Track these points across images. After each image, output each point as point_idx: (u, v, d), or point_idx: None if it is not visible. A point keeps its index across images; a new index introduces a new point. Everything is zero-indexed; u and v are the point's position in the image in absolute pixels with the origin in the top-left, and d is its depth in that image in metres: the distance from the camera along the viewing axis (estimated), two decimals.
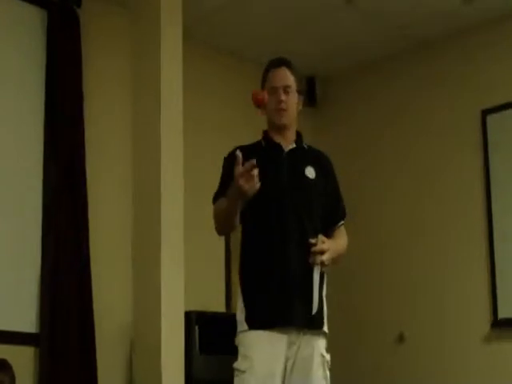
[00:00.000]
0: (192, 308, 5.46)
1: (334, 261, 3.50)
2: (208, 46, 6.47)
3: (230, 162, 3.46)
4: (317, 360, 3.39)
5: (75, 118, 5.34)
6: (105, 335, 5.26)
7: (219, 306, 6.11)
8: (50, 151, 5.24)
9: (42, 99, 5.30)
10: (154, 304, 5.21)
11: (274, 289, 3.36)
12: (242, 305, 3.42)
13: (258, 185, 3.22)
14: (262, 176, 3.27)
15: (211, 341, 5.46)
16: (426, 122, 6.57)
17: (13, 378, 4.51)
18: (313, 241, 3.35)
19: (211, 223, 6.37)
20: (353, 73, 7.10)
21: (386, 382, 6.47)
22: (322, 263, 3.35)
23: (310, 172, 3.60)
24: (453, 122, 6.42)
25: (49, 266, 5.09)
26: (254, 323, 3.35)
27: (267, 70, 3.70)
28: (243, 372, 3.32)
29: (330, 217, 3.69)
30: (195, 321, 5.43)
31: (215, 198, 3.58)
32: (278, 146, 3.60)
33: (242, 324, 3.40)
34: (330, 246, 3.42)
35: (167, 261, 5.23)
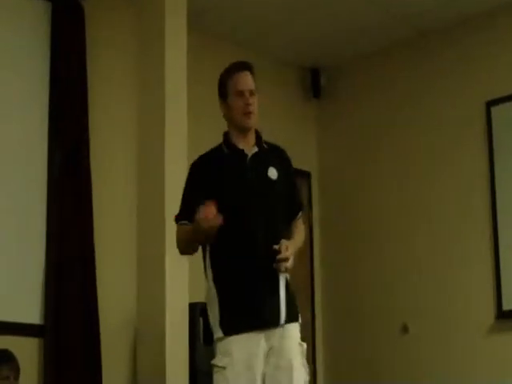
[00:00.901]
0: (196, 299, 5.45)
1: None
2: (212, 37, 6.46)
3: (193, 177, 3.63)
4: (296, 349, 3.51)
5: (80, 110, 5.34)
6: (109, 327, 5.27)
7: None
8: (54, 143, 5.25)
9: (47, 91, 5.31)
10: (158, 295, 5.22)
11: (246, 294, 3.47)
12: (217, 311, 3.50)
13: (219, 222, 3.33)
14: (227, 183, 3.50)
15: None
16: (431, 113, 6.56)
17: (18, 370, 4.52)
18: (276, 247, 3.43)
19: None
20: (357, 64, 7.08)
21: (390, 372, 6.47)
22: (286, 269, 3.46)
23: (273, 173, 3.64)
24: (457, 114, 6.40)
25: (53, 257, 5.10)
26: (230, 329, 3.45)
27: (230, 73, 3.72)
28: (223, 368, 3.43)
29: (289, 211, 3.73)
30: (199, 312, 5.42)
31: (178, 219, 3.61)
32: (241, 152, 3.64)
33: (217, 331, 3.49)
34: (293, 250, 3.50)
35: (172, 252, 5.22)
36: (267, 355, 3.46)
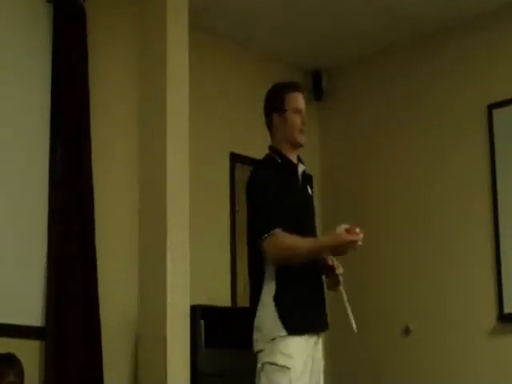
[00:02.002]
0: (198, 302, 5.46)
1: None
2: (214, 35, 6.46)
3: (271, 184, 3.67)
4: (322, 358, 3.80)
5: (81, 109, 5.34)
6: (110, 329, 5.27)
7: (225, 300, 6.12)
8: (55, 142, 5.24)
9: (49, 90, 5.30)
10: (159, 298, 5.20)
11: (310, 298, 3.67)
12: (276, 314, 3.56)
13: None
14: (290, 193, 3.69)
15: (217, 335, 5.47)
16: (432, 115, 6.56)
17: (23, 374, 4.52)
18: (336, 262, 3.74)
19: (217, 217, 6.41)
20: (358, 66, 7.08)
21: (391, 374, 6.47)
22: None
23: (310, 192, 3.87)
24: (459, 116, 6.40)
25: (54, 259, 5.09)
26: (293, 330, 3.56)
27: (288, 89, 3.83)
28: (287, 368, 3.51)
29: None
30: (201, 315, 5.43)
31: (273, 224, 3.59)
32: (295, 167, 3.80)
33: (279, 330, 3.54)
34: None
35: (173, 254, 5.22)
36: (311, 360, 3.67)
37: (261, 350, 3.56)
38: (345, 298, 3.77)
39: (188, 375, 5.16)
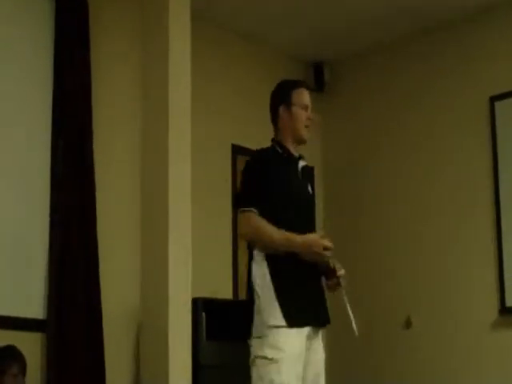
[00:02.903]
0: (199, 295, 5.46)
1: None
2: (215, 28, 6.45)
3: (261, 168, 3.72)
4: (323, 352, 3.82)
5: (83, 101, 5.33)
6: (112, 321, 5.27)
7: (226, 293, 6.12)
8: (57, 139, 5.23)
9: (51, 83, 5.29)
10: (161, 291, 5.21)
11: (308, 293, 3.66)
12: (277, 303, 3.56)
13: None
14: (285, 180, 3.70)
15: (218, 327, 5.47)
16: (434, 107, 6.55)
17: (25, 367, 4.52)
18: (338, 266, 3.73)
19: (219, 210, 6.42)
20: (360, 58, 7.07)
21: (393, 367, 6.47)
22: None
23: (310, 189, 3.87)
24: (461, 109, 6.40)
25: (56, 251, 5.09)
26: (292, 322, 3.55)
27: (295, 85, 3.89)
28: (276, 361, 3.50)
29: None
30: (202, 307, 5.43)
31: (249, 203, 3.66)
32: (296, 160, 3.83)
33: (278, 320, 3.54)
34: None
35: (175, 247, 5.23)
36: (307, 354, 3.65)
37: (259, 337, 3.55)
38: (346, 300, 3.77)
39: (189, 367, 5.17)
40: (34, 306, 5.03)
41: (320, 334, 3.75)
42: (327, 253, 3.59)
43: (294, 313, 3.56)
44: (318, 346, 3.74)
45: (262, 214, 3.61)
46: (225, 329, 5.41)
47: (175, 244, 5.22)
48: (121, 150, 5.62)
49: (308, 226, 3.72)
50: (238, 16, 6.40)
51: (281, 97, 3.84)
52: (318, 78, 7.19)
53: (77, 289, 5.11)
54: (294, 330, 3.53)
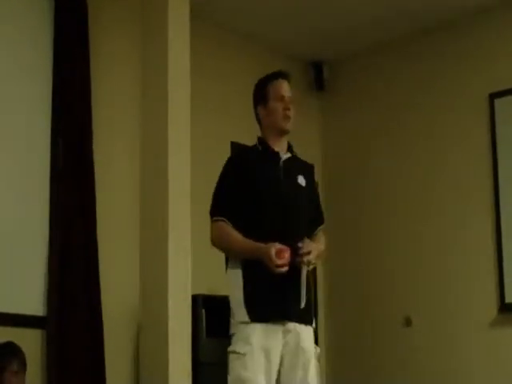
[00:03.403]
0: (199, 292, 5.46)
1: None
2: (215, 27, 6.45)
3: (231, 173, 3.76)
4: (311, 351, 3.68)
5: (83, 100, 5.34)
6: (112, 319, 5.27)
7: (226, 290, 6.10)
8: (57, 135, 5.25)
9: (50, 84, 5.30)
10: (161, 287, 5.21)
11: (272, 287, 3.58)
12: (242, 299, 3.61)
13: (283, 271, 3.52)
14: (262, 182, 3.68)
15: (218, 324, 5.43)
16: (434, 106, 6.56)
17: (25, 364, 4.52)
18: (300, 244, 3.58)
19: None
20: (359, 57, 7.08)
21: (392, 365, 6.48)
22: (309, 262, 3.62)
23: (302, 180, 3.82)
24: (461, 107, 6.40)
25: (56, 249, 5.10)
26: (255, 316, 3.56)
27: (270, 79, 3.88)
28: (243, 355, 3.52)
29: (313, 221, 3.91)
30: (202, 304, 5.43)
31: (215, 213, 3.74)
32: (276, 154, 3.80)
33: (242, 316, 3.59)
34: (315, 249, 3.66)
35: (174, 244, 5.23)
36: (282, 351, 3.60)
37: (232, 334, 3.62)
38: (304, 274, 3.66)
39: (189, 364, 5.17)
40: (34, 303, 5.04)
41: (302, 331, 3.66)
42: (281, 269, 3.51)
43: (257, 308, 3.58)
44: (303, 343, 3.64)
45: (234, 220, 3.66)
46: (225, 326, 5.39)
47: (175, 241, 5.22)
48: (120, 149, 5.62)
49: (290, 225, 3.69)
50: (238, 15, 6.40)
51: (258, 96, 3.88)
52: (317, 77, 7.19)
53: (77, 286, 5.12)
54: (260, 326, 3.54)
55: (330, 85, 7.22)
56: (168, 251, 5.21)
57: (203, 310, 5.42)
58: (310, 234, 3.83)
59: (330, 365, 6.70)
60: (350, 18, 6.49)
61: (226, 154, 6.42)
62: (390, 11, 6.36)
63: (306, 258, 3.57)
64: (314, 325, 3.76)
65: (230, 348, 3.59)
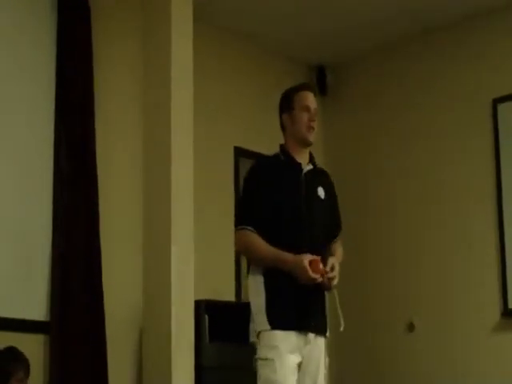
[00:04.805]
0: (202, 297, 5.46)
1: None
2: (218, 30, 6.45)
3: (256, 182, 3.81)
4: (323, 360, 3.82)
5: (85, 101, 5.33)
6: (115, 324, 5.26)
7: (229, 295, 6.12)
8: (60, 137, 5.24)
9: (53, 85, 5.30)
10: (164, 292, 5.22)
11: (296, 297, 3.67)
12: (264, 306, 3.66)
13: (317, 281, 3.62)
14: (284, 193, 3.75)
15: (221, 329, 5.47)
16: (437, 109, 6.55)
17: (29, 371, 4.51)
18: (327, 269, 3.67)
19: (222, 210, 6.41)
20: (363, 61, 7.07)
21: (395, 370, 6.46)
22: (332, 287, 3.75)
23: (321, 192, 3.87)
24: (464, 111, 6.39)
25: (59, 254, 5.09)
26: (277, 324, 3.64)
27: (297, 90, 3.93)
28: (272, 360, 3.59)
29: (331, 231, 3.96)
30: (205, 309, 5.43)
31: (245, 220, 3.77)
32: (299, 165, 3.84)
33: (263, 323, 3.65)
34: (338, 268, 3.76)
35: (177, 249, 5.23)
36: (302, 357, 3.70)
37: (253, 343, 3.68)
38: (336, 296, 3.80)
39: (192, 369, 5.18)
40: (37, 308, 5.02)
41: (318, 342, 3.79)
42: (316, 281, 3.60)
43: (279, 317, 3.64)
44: (316, 354, 3.78)
45: (259, 229, 3.70)
46: (227, 331, 5.41)
47: (178, 246, 5.23)
48: (123, 152, 5.62)
49: (308, 238, 3.74)
50: (241, 18, 6.40)
51: (284, 104, 3.92)
52: (320, 81, 7.19)
53: (79, 290, 5.11)
54: (281, 333, 3.61)
55: (333, 89, 7.20)
56: (171, 255, 5.22)
57: (206, 315, 5.41)
58: (328, 244, 3.90)
59: (332, 370, 6.69)
60: (353, 21, 6.47)
61: (229, 157, 6.46)
62: (393, 15, 6.35)
63: (332, 285, 3.69)
64: (327, 334, 3.87)
65: (257, 355, 3.64)
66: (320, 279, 3.60)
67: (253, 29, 6.56)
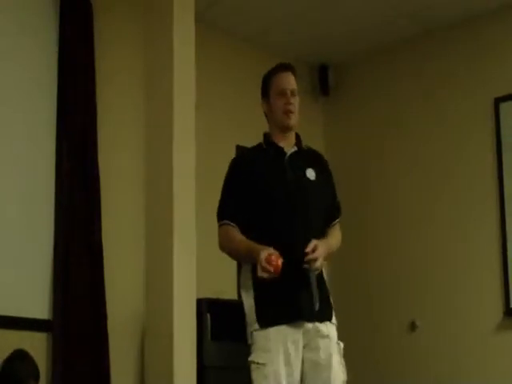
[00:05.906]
0: (204, 296, 5.46)
1: (325, 259, 3.65)
2: (219, 31, 6.46)
3: (235, 174, 3.74)
4: (333, 348, 3.59)
5: (88, 101, 5.35)
6: (117, 322, 5.28)
7: (231, 294, 6.12)
8: (62, 135, 5.25)
9: (55, 83, 5.31)
10: (166, 291, 5.21)
11: (281, 290, 3.53)
12: (253, 305, 3.57)
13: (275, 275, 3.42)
14: (267, 179, 3.62)
15: (223, 328, 5.47)
16: (439, 110, 6.56)
17: (36, 371, 4.51)
18: (308, 249, 3.50)
19: None
20: (365, 61, 7.08)
21: (398, 370, 6.47)
22: (316, 268, 3.54)
23: (311, 174, 3.73)
24: (466, 110, 6.40)
25: (61, 252, 5.10)
26: (267, 322, 3.52)
27: (273, 74, 3.81)
28: (263, 365, 3.47)
29: (327, 215, 3.81)
30: (207, 308, 5.43)
31: (221, 217, 3.73)
32: (281, 150, 3.74)
33: (254, 324, 3.55)
34: (322, 251, 3.55)
35: (179, 248, 5.23)
36: (303, 352, 3.54)
37: (250, 344, 3.58)
38: (312, 279, 3.59)
39: (194, 368, 5.17)
40: (39, 307, 5.04)
41: (326, 330, 3.60)
42: (263, 275, 3.41)
43: (268, 313, 3.52)
44: (322, 343, 3.57)
45: (241, 222, 3.63)
46: (229, 330, 5.40)
47: (180, 244, 5.23)
48: (125, 153, 5.63)
49: (300, 223, 3.60)
50: (242, 19, 6.41)
51: (262, 91, 3.82)
52: (322, 80, 7.19)
53: (82, 289, 5.13)
54: (274, 330, 3.49)
55: (336, 89, 7.21)
56: (173, 254, 5.21)
57: (208, 314, 5.42)
58: (325, 228, 3.76)
59: None
60: (355, 21, 6.49)
61: (231, 156, 6.44)
62: (395, 15, 6.37)
63: (312, 266, 3.51)
64: (334, 320, 3.67)
65: (250, 358, 3.54)
66: (266, 275, 3.39)
67: (254, 30, 6.57)
